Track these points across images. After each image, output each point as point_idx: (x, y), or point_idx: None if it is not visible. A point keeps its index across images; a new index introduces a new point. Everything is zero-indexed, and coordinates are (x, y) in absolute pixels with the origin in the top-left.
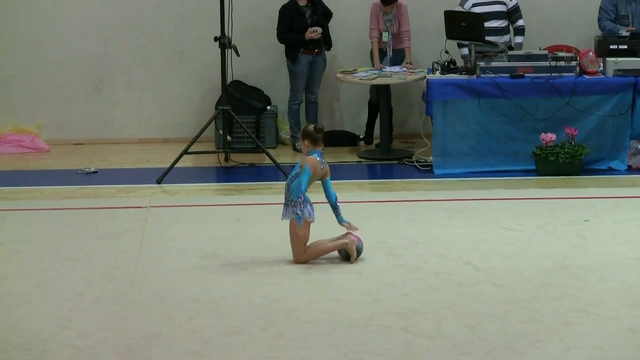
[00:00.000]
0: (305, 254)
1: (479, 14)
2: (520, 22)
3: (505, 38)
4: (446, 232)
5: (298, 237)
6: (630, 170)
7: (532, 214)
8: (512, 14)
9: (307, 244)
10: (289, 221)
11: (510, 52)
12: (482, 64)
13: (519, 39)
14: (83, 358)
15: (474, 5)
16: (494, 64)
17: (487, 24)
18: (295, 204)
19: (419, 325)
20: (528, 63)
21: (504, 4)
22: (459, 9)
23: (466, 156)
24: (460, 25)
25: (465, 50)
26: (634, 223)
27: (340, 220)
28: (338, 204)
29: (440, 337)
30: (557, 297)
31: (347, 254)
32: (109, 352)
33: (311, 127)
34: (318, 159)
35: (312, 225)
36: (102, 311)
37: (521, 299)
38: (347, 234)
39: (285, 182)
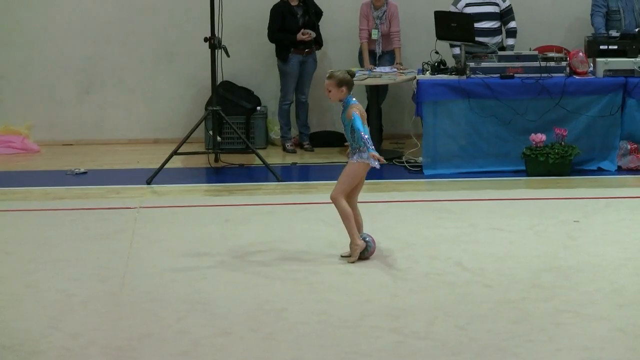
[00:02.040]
0: (341, 199)
1: (469, 14)
2: (512, 24)
3: (497, 39)
4: (436, 233)
5: (350, 175)
6: (620, 170)
7: (522, 215)
8: (505, 15)
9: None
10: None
11: (500, 53)
12: (472, 64)
13: (510, 41)
14: (73, 359)
15: (467, 5)
16: (484, 64)
17: (479, 25)
18: (362, 149)
19: (410, 326)
20: (518, 63)
21: (497, 5)
22: (452, 8)
23: (456, 157)
24: (451, 26)
25: (457, 51)
26: (624, 223)
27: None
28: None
29: (431, 337)
30: (548, 298)
31: (349, 253)
32: (99, 352)
33: (346, 73)
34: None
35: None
36: (92, 312)
37: (511, 299)
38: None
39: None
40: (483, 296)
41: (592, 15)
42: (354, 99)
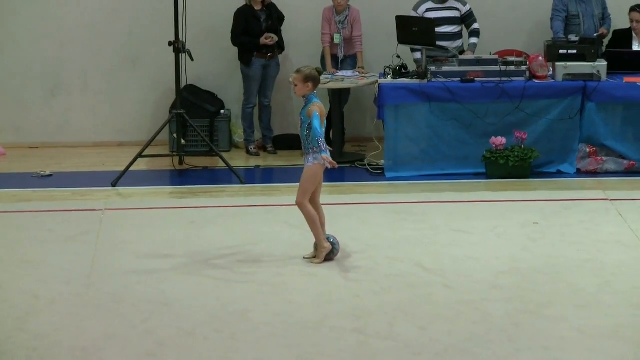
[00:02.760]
0: (306, 203)
1: (430, 19)
2: (475, 25)
3: (458, 43)
4: (397, 235)
5: (310, 178)
6: (580, 173)
7: (482, 217)
8: (466, 19)
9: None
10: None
11: (461, 57)
12: (433, 68)
13: (473, 40)
14: (39, 359)
15: (428, 10)
16: (445, 68)
17: (439, 29)
18: (316, 150)
19: (371, 326)
20: (478, 68)
21: (457, 10)
22: (413, 14)
23: (417, 160)
24: (412, 30)
25: (418, 55)
26: (583, 225)
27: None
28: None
29: (392, 338)
30: (507, 299)
31: (314, 254)
32: (65, 353)
33: (314, 70)
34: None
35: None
36: (57, 313)
37: (472, 300)
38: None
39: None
40: (444, 297)
41: (552, 19)
42: (317, 98)
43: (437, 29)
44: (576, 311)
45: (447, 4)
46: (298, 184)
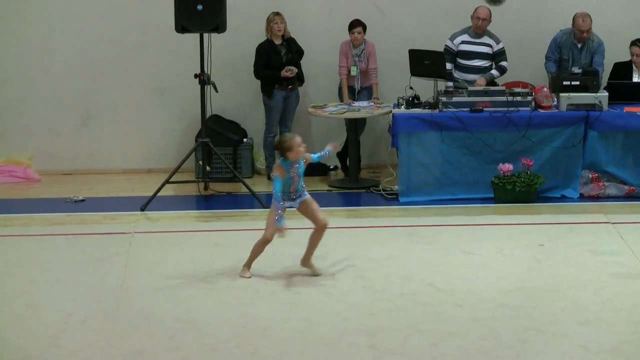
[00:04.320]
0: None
1: (441, 52)
2: (503, 63)
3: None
4: (410, 256)
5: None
6: (582, 198)
7: (490, 239)
8: (497, 56)
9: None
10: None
11: (470, 88)
12: (444, 99)
13: (495, 72)
14: None
15: (463, 42)
16: (455, 99)
17: (471, 62)
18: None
19: (385, 342)
20: (487, 98)
21: (490, 46)
22: (449, 43)
23: (429, 185)
24: (424, 63)
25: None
26: (586, 247)
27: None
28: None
29: (405, 354)
30: (514, 316)
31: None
32: None
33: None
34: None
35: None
36: (89, 330)
37: (480, 318)
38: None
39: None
40: (454, 315)
41: (546, 58)
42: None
43: (469, 62)
44: (579, 328)
45: (482, 40)
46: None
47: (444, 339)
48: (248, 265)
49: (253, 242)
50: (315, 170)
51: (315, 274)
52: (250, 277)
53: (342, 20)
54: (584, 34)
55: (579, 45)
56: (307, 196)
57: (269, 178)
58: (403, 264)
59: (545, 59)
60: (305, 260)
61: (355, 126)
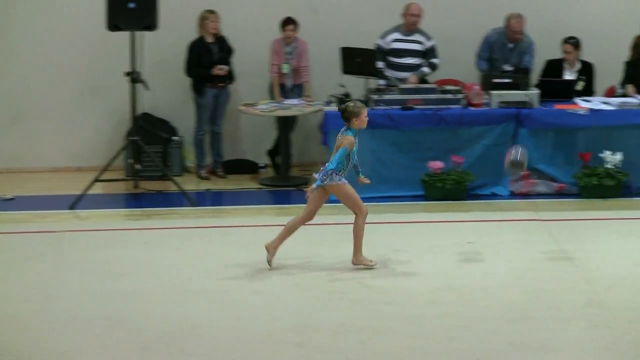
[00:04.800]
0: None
1: (372, 50)
2: (434, 60)
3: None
4: (340, 253)
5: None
6: (512, 195)
7: (420, 236)
8: (428, 53)
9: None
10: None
11: (401, 86)
12: (375, 97)
13: (425, 69)
14: None
15: (395, 40)
16: (386, 96)
17: (402, 60)
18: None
19: (314, 340)
20: (418, 96)
21: (422, 43)
22: (380, 41)
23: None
24: (355, 61)
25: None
26: (515, 245)
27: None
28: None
29: (334, 351)
30: (443, 314)
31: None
32: None
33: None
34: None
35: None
36: (17, 329)
37: (410, 315)
38: None
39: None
40: (383, 313)
41: (478, 57)
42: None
43: (400, 60)
44: (507, 325)
45: (413, 37)
46: (246, 206)
47: (372, 336)
48: (359, 251)
49: (182, 240)
50: (245, 168)
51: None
52: (374, 263)
53: (274, 18)
54: (517, 34)
55: (511, 45)
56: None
57: (199, 176)
58: (332, 262)
59: (477, 57)
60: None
61: (286, 124)
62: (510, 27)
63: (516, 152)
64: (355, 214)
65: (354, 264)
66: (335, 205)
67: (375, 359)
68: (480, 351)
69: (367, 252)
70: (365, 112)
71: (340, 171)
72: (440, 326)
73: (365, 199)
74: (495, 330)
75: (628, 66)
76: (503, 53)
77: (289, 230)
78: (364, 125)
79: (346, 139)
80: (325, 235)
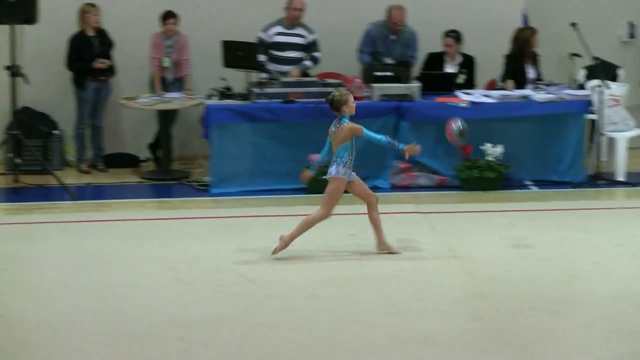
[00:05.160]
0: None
1: (254, 44)
2: (316, 54)
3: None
4: (222, 247)
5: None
6: (394, 188)
7: None
8: (310, 47)
9: None
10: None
11: (283, 79)
12: (256, 90)
13: (307, 62)
14: None
15: (277, 34)
16: (268, 90)
17: (284, 54)
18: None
19: (195, 334)
20: (300, 89)
21: (304, 37)
22: (262, 34)
23: (241, 176)
24: (237, 55)
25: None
26: (396, 237)
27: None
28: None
29: (215, 345)
30: (325, 307)
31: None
32: None
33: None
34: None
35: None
36: None
37: (291, 308)
38: None
39: None
40: (265, 306)
41: (360, 52)
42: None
43: (282, 53)
44: (389, 318)
45: (295, 31)
46: (127, 200)
47: (254, 330)
48: (383, 237)
49: (63, 234)
50: (125, 161)
51: (394, 251)
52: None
53: (154, 12)
54: (398, 26)
55: (393, 37)
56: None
57: (80, 170)
58: (214, 256)
59: (359, 52)
60: (382, 244)
61: (167, 117)
62: (391, 18)
63: (456, 123)
64: (321, 210)
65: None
66: (217, 199)
67: (256, 353)
68: (362, 344)
69: (250, 244)
70: (351, 97)
71: (347, 164)
72: (322, 319)
73: (247, 192)
74: (377, 323)
75: (508, 59)
76: (386, 46)
77: (377, 223)
78: (354, 111)
79: (351, 126)
80: (207, 228)
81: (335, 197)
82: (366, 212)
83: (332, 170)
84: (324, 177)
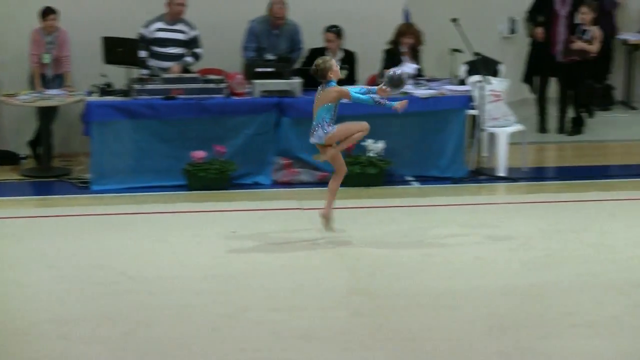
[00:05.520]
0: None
1: (135, 40)
2: (197, 50)
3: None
4: (102, 244)
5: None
6: (276, 184)
7: (184, 226)
8: (192, 43)
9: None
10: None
11: (164, 76)
12: (137, 86)
13: (189, 59)
14: None
15: (158, 30)
16: (149, 86)
17: (166, 50)
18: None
19: (76, 332)
20: (181, 85)
21: (185, 33)
22: (143, 30)
23: (122, 173)
24: (118, 51)
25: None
26: (279, 234)
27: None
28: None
29: (96, 342)
30: (206, 304)
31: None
32: None
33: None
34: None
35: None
36: None
37: (172, 306)
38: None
39: None
40: (147, 303)
41: (245, 49)
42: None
43: (164, 50)
44: (272, 314)
45: (177, 27)
46: (6, 197)
47: (135, 327)
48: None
49: None
50: (5, 159)
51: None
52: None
53: (34, 7)
54: (279, 20)
55: (276, 32)
56: None
57: None
58: (95, 253)
59: (244, 49)
60: (327, 210)
61: (47, 114)
62: (273, 13)
63: (394, 72)
64: (337, 171)
65: (322, 216)
66: (97, 196)
67: (138, 350)
68: (244, 341)
69: (131, 241)
70: (334, 63)
71: (328, 123)
72: (204, 316)
73: (128, 189)
74: (259, 319)
75: (387, 55)
76: (270, 41)
77: (333, 193)
78: (339, 75)
79: (339, 89)
80: (87, 226)
81: (350, 128)
82: (250, 208)
83: (321, 133)
84: (316, 142)
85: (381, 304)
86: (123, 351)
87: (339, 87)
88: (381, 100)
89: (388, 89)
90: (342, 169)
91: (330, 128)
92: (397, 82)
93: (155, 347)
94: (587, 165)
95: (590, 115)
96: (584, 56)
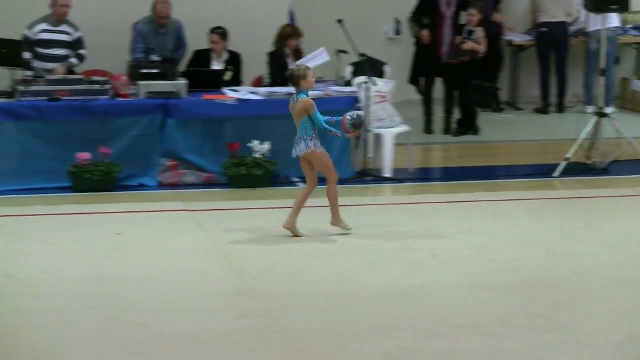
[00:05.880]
0: None
1: (19, 41)
2: (82, 52)
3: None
4: None
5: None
6: (161, 186)
7: (69, 228)
8: (76, 44)
9: None
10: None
11: (48, 77)
12: (21, 88)
13: (73, 60)
14: None
15: (43, 31)
16: (33, 88)
17: (50, 51)
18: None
19: None
20: (65, 87)
21: (70, 34)
22: (27, 32)
23: (7, 175)
24: (1, 52)
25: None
26: (164, 235)
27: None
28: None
29: None
30: (92, 306)
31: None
32: None
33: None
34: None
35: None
36: None
37: (58, 308)
38: None
39: None
40: (32, 306)
41: (132, 51)
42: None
43: (48, 51)
44: (157, 316)
45: (61, 28)
46: None
47: (21, 330)
48: (337, 214)
49: None
50: None
51: (297, 235)
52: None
53: None
54: (164, 19)
55: (162, 31)
56: None
57: None
58: None
59: (132, 51)
60: (292, 220)
61: None
62: (157, 12)
63: (350, 114)
64: (328, 180)
65: (332, 225)
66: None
67: (22, 353)
68: (130, 343)
69: (16, 244)
70: (310, 72)
71: (311, 137)
72: (90, 318)
73: (13, 192)
74: (144, 321)
75: (271, 57)
76: (157, 41)
77: (300, 205)
78: (312, 85)
79: (305, 102)
80: None
81: (327, 162)
82: (136, 210)
83: (302, 147)
84: (298, 155)
85: (267, 306)
86: (6, 355)
87: (306, 100)
88: (333, 131)
89: (351, 130)
90: (314, 183)
91: (312, 143)
92: (359, 124)
93: (40, 349)
94: (473, 166)
95: (475, 116)
96: (473, 56)
